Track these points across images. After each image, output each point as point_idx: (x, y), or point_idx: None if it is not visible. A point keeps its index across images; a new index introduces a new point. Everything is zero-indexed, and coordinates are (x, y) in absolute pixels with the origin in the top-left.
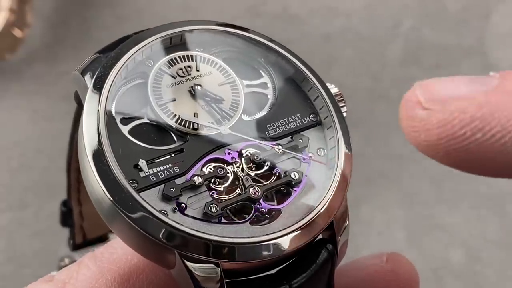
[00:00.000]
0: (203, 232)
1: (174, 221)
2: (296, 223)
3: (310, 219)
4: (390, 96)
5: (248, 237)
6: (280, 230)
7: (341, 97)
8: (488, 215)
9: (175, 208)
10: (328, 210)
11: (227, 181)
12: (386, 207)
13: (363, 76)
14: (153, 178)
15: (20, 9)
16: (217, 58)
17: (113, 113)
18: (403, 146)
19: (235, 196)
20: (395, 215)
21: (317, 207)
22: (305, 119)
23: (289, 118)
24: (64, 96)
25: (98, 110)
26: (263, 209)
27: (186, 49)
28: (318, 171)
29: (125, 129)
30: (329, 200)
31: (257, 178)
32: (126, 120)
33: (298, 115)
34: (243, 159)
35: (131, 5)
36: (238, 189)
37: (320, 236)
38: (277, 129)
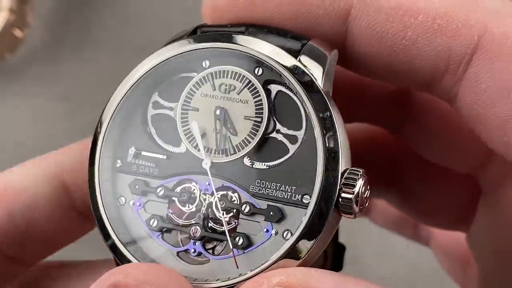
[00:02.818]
0: (118, 234)
1: (114, 211)
2: (205, 283)
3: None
4: None
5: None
6: (192, 279)
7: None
8: None
9: (134, 203)
10: None
11: (189, 205)
12: None
13: None
14: (134, 168)
15: (20, 9)
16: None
17: (157, 94)
18: None
19: (180, 224)
20: None
21: (232, 281)
22: (296, 196)
23: (283, 186)
24: (64, 96)
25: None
26: (194, 249)
27: (244, 67)
28: (261, 253)
29: (151, 112)
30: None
31: (212, 220)
32: (157, 105)
33: (294, 188)
34: (216, 196)
35: (131, 6)
36: (193, 219)
37: None
38: (263, 189)
